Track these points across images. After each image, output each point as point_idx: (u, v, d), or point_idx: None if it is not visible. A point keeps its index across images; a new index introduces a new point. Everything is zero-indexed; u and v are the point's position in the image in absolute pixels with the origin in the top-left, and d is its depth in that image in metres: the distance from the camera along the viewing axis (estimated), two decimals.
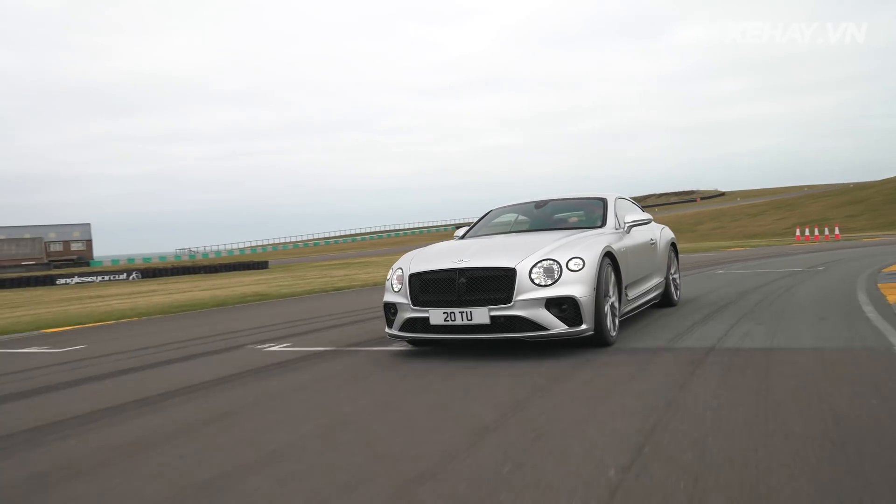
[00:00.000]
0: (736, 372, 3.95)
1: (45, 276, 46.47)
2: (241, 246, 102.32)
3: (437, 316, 4.86)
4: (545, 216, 6.61)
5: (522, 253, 4.92)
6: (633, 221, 6.09)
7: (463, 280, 4.83)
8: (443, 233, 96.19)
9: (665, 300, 7.22)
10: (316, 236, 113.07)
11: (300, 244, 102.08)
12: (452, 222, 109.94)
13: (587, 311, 4.70)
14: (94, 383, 5.14)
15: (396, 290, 5.25)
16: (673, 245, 7.67)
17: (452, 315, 4.80)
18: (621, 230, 5.96)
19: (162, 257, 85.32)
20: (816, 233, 33.09)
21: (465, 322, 4.75)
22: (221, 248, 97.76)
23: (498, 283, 4.76)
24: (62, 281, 44.74)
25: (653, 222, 6.74)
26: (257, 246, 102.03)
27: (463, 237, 6.46)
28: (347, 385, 4.43)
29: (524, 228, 6.47)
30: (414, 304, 5.04)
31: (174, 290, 20.76)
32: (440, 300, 4.91)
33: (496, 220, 6.84)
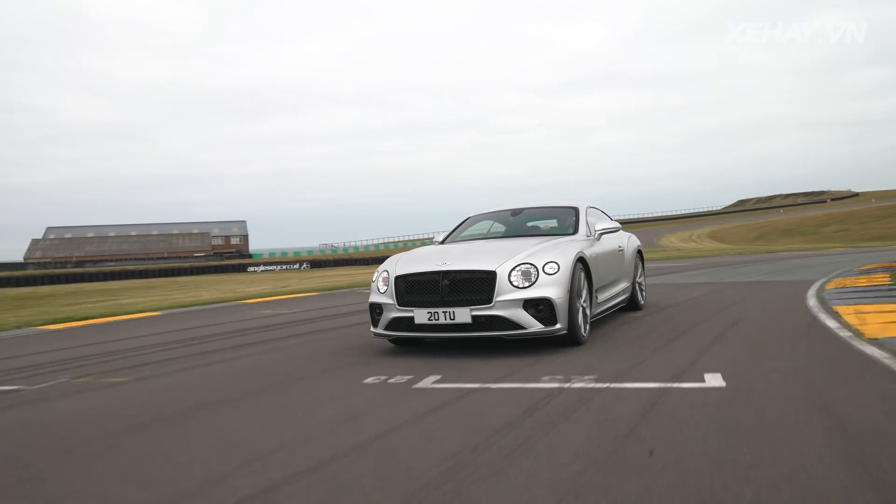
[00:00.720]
0: (750, 286, 10.34)
1: (239, 265, 56.54)
2: (371, 242, 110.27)
3: (421, 315, 5.09)
4: (520, 223, 6.95)
5: (502, 257, 5.19)
6: (603, 229, 6.46)
7: (446, 282, 5.07)
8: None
9: (631, 304, 7.57)
10: (438, 233, 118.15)
11: (426, 241, 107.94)
12: None
13: (561, 311, 5.00)
14: None
15: (382, 291, 5.46)
16: (639, 252, 8.05)
17: (436, 315, 5.02)
18: (592, 237, 6.30)
19: (309, 251, 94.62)
20: None
21: (448, 321, 4.99)
22: (357, 243, 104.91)
23: (479, 284, 5.01)
24: (251, 269, 54.28)
25: (621, 230, 7.04)
26: (389, 242, 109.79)
27: (443, 242, 6.83)
28: None
29: (501, 234, 6.81)
30: (399, 305, 5.25)
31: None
32: (424, 301, 5.14)
33: (474, 227, 7.18)
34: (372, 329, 5.59)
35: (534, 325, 4.96)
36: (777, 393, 3.44)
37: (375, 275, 5.69)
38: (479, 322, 4.97)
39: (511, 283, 5.01)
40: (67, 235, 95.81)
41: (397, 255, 5.87)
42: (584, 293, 5.51)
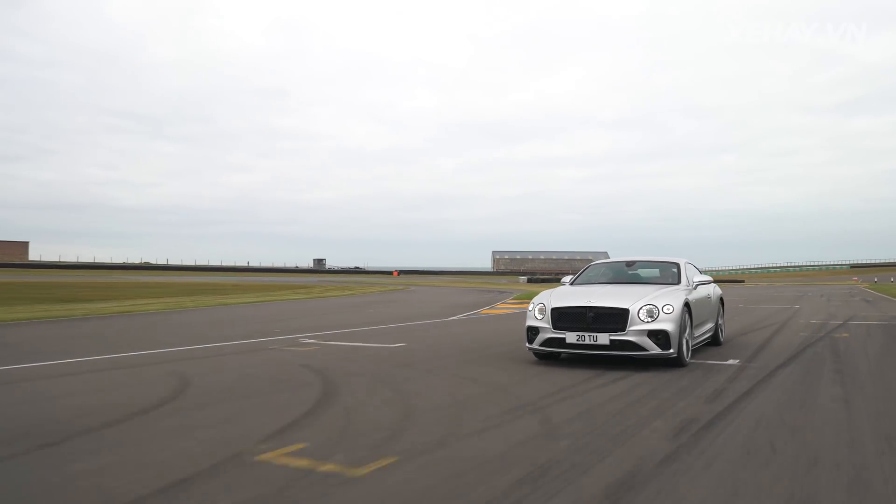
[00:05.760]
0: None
1: None
2: None
3: (571, 337, 6.86)
4: (634, 272, 8.72)
5: (632, 299, 6.92)
6: (699, 281, 8.17)
7: (591, 314, 6.83)
8: (836, 270, 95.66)
9: (714, 341, 9.03)
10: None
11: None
12: (847, 261, 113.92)
13: (674, 340, 6.68)
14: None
15: (539, 318, 7.21)
16: (721, 300, 9.65)
17: (583, 337, 6.78)
18: (690, 286, 7.90)
19: None
20: None
21: (592, 342, 6.76)
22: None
23: (616, 318, 6.75)
24: None
25: (711, 283, 8.76)
26: None
27: (572, 283, 8.52)
28: None
29: (621, 280, 8.49)
30: (554, 328, 7.01)
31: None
32: (574, 326, 6.89)
33: (596, 272, 8.89)
34: (528, 345, 7.36)
35: (654, 349, 6.64)
36: None
37: (531, 306, 7.40)
38: (615, 344, 6.69)
39: (639, 317, 6.68)
40: (506, 257, 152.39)
41: (547, 292, 7.66)
42: (688, 328, 7.14)
